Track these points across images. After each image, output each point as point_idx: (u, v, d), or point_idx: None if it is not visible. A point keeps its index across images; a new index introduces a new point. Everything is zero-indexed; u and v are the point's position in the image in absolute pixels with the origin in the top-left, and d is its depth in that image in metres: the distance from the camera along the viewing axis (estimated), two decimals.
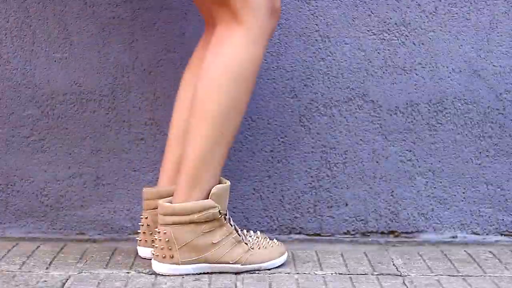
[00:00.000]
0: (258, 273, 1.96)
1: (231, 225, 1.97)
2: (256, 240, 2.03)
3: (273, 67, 2.21)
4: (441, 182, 2.24)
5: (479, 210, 2.25)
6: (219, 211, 1.93)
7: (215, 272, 1.95)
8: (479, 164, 2.24)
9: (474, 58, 2.21)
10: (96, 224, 2.23)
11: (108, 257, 2.07)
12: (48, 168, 2.22)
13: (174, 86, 2.20)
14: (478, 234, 2.25)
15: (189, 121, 1.93)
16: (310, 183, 2.24)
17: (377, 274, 1.98)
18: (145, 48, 2.20)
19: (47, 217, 2.23)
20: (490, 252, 2.16)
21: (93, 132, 2.21)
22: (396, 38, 2.21)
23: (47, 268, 1.98)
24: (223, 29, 1.92)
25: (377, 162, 2.23)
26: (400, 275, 1.97)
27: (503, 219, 2.25)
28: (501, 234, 2.25)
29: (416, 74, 2.22)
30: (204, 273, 1.95)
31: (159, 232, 1.94)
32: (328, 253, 2.13)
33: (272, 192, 2.23)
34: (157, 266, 1.94)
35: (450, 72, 2.22)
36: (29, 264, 2.00)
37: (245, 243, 1.98)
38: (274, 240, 2.05)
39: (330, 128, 2.22)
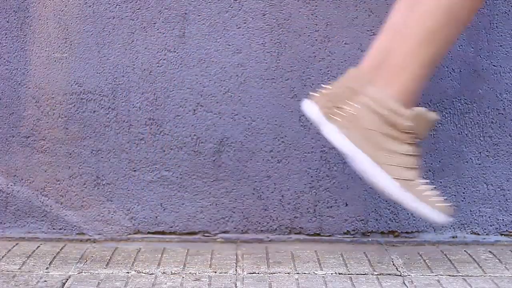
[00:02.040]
0: (258, 273, 1.96)
1: (416, 155, 1.91)
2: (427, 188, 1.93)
3: (273, 67, 2.21)
4: (441, 182, 2.24)
5: (479, 210, 2.25)
6: (404, 124, 1.89)
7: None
8: (479, 164, 2.24)
9: (474, 58, 2.21)
10: (96, 224, 2.24)
11: (108, 257, 2.07)
12: (48, 168, 2.22)
13: (174, 86, 2.20)
14: (478, 234, 2.25)
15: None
16: (310, 183, 2.24)
17: (377, 274, 1.98)
18: (145, 48, 2.20)
19: (47, 217, 2.23)
20: (490, 252, 2.16)
21: (93, 132, 2.21)
22: None
23: (47, 268, 1.98)
24: None
25: None
26: (400, 275, 1.97)
27: (503, 219, 2.25)
28: (501, 234, 2.25)
29: None
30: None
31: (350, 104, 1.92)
32: (328, 253, 2.13)
33: (272, 192, 2.23)
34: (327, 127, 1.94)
35: (450, 72, 2.22)
36: (29, 264, 2.00)
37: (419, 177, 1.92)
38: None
39: None
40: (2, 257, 2.06)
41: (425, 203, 1.90)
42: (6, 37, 2.20)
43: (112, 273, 1.96)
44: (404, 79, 1.90)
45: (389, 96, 1.90)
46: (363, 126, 1.91)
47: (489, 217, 2.25)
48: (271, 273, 1.97)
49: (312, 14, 2.20)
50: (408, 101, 1.91)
